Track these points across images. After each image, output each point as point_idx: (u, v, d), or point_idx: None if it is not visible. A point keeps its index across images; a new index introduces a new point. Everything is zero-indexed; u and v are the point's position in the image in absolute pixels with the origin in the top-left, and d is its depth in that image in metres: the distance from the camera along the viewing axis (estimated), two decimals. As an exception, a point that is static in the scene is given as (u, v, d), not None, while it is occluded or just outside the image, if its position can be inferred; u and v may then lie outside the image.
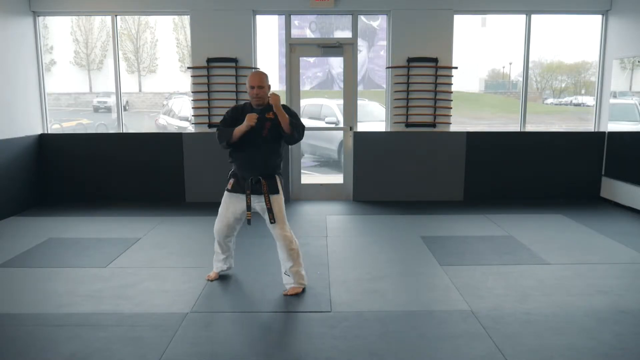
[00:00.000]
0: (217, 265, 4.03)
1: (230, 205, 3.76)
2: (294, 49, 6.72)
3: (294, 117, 3.70)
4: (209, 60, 6.53)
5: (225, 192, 3.78)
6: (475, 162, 6.80)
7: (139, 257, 4.52)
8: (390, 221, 5.76)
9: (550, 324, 3.22)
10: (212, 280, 3.96)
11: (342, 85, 6.90)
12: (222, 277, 4.04)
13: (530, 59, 6.91)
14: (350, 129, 6.83)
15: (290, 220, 5.78)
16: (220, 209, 3.83)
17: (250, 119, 3.54)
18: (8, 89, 6.09)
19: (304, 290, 3.73)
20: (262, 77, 3.64)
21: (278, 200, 3.71)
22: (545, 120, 8.52)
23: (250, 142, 3.62)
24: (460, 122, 7.31)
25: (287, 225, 3.75)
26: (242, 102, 3.78)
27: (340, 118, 7.31)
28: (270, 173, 3.69)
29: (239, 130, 3.57)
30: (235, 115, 3.69)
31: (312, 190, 7.02)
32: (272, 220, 3.65)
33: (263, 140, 3.64)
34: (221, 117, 3.81)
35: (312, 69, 7.79)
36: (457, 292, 3.72)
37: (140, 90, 8.51)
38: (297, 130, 3.66)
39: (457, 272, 4.12)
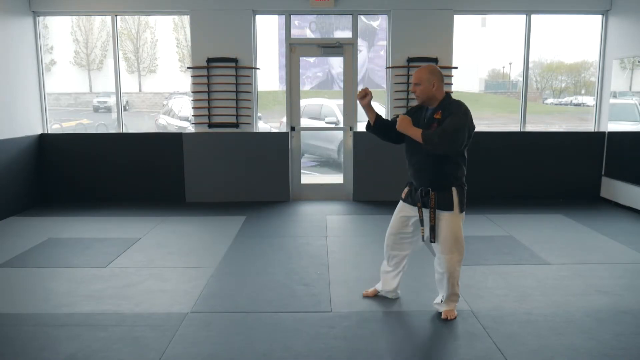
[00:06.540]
0: (384, 283, 3.59)
1: (400, 212, 3.38)
2: (294, 49, 6.71)
3: (445, 123, 3.02)
4: (209, 60, 6.53)
5: (400, 201, 3.42)
6: (475, 162, 6.76)
7: (139, 257, 4.52)
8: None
9: (550, 324, 3.22)
10: (366, 297, 3.66)
11: (342, 85, 6.89)
12: (222, 277, 4.03)
13: (530, 59, 6.91)
14: (350, 129, 6.83)
15: (290, 220, 5.83)
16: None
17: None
18: (8, 89, 6.09)
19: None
20: (420, 72, 3.15)
21: (449, 218, 3.13)
22: (545, 120, 8.52)
23: (418, 147, 3.12)
24: (461, 122, 7.29)
25: (457, 254, 3.19)
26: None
27: (340, 118, 7.31)
28: (442, 184, 3.13)
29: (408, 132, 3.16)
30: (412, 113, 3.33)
31: (312, 190, 7.01)
32: (433, 239, 3.19)
33: None
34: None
35: (312, 69, 7.79)
36: (457, 292, 3.71)
37: (140, 90, 8.51)
38: (437, 137, 3.00)
39: (457, 272, 4.11)
